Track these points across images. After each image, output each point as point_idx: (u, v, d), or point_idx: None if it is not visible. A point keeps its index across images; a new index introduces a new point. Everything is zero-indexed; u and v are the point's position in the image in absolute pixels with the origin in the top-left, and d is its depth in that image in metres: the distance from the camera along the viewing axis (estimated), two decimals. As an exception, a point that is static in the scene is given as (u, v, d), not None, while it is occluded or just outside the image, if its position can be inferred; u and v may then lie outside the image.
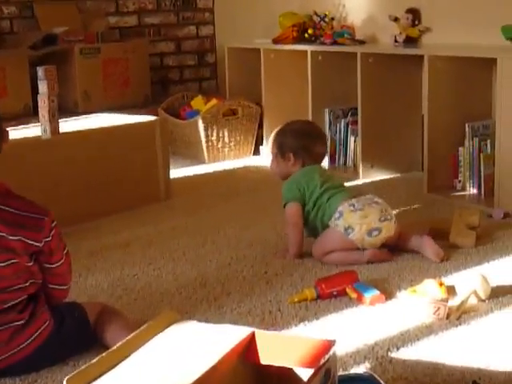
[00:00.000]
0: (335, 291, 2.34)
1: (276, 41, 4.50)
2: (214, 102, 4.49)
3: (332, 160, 4.19)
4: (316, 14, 4.43)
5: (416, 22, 3.96)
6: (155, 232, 3.11)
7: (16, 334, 1.88)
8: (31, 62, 4.49)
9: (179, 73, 5.55)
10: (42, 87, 3.17)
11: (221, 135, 4.42)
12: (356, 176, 3.90)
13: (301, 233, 2.74)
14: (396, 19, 4.00)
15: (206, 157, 4.42)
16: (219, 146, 4.43)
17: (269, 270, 2.63)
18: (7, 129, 2.00)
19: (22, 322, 1.89)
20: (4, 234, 1.84)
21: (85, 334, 2.01)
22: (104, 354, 1.45)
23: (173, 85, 5.51)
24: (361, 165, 3.89)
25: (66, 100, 4.70)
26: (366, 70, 3.78)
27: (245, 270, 2.63)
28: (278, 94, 4.49)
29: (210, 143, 4.40)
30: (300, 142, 2.82)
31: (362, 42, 4.13)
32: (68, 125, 3.47)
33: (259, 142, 4.57)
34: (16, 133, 3.37)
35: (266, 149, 2.96)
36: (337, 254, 2.65)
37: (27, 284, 1.91)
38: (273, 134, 2.93)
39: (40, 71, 3.17)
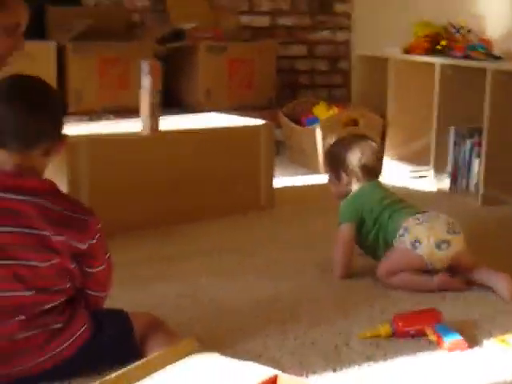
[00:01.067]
0: (413, 330, 2.10)
1: (407, 50, 4.24)
2: (334, 110, 4.29)
3: (453, 182, 3.88)
4: (452, 25, 4.14)
5: (561, 38, 3.61)
6: (245, 240, 2.95)
7: (52, 338, 1.77)
8: (156, 57, 4.43)
9: (310, 78, 5.38)
10: (145, 82, 3.07)
11: (339, 145, 4.20)
12: (475, 202, 3.60)
13: (350, 254, 2.58)
14: (538, 34, 3.66)
15: (321, 167, 4.22)
16: (336, 156, 4.22)
17: (350, 297, 2.41)
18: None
19: (60, 325, 1.78)
20: (48, 234, 1.75)
21: (125, 345, 1.87)
22: (107, 378, 1.31)
23: (303, 89, 5.33)
24: (482, 190, 3.58)
25: (188, 97, 4.64)
26: (496, 89, 3.46)
27: (324, 294, 2.43)
28: (404, 107, 4.23)
29: (326, 153, 4.20)
30: (352, 159, 2.63)
31: (497, 58, 3.80)
32: (172, 122, 3.36)
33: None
34: (117, 127, 3.32)
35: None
36: (403, 276, 2.45)
37: (67, 286, 1.81)
38: (323, 154, 2.74)
39: (144, 65, 3.07)
